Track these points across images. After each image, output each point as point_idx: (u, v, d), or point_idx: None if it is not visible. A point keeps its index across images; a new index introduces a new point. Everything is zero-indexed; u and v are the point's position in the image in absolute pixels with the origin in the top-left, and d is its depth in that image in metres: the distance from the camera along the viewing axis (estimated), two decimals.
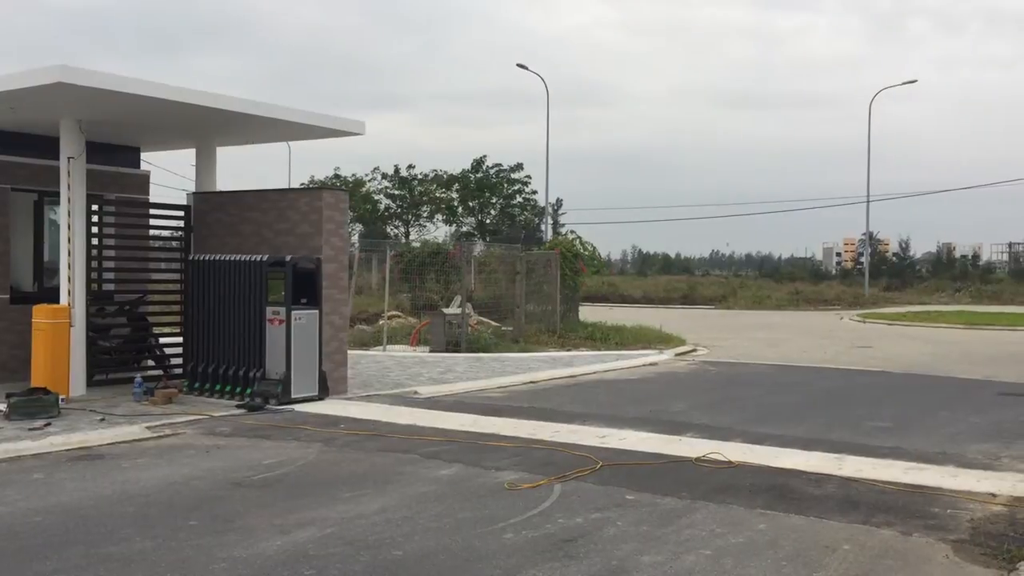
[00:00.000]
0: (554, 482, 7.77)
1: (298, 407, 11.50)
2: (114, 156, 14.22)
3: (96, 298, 12.95)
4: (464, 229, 59.84)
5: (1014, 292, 51.66)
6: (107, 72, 10.57)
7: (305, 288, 11.95)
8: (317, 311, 12.06)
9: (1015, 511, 7.06)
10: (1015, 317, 33.95)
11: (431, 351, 19.26)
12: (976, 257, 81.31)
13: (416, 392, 13.22)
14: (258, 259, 12.02)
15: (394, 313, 24.71)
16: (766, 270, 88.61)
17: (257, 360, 11.93)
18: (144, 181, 15.22)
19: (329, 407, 11.63)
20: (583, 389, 14.29)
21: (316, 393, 12.00)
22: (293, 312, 11.72)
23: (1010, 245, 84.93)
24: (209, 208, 13.65)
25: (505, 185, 59.44)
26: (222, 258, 12.44)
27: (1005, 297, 50.04)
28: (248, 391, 11.86)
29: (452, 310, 20.85)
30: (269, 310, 11.85)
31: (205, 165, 14.19)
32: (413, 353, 19.17)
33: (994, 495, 7.51)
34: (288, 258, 11.88)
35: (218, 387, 12.26)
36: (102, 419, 10.44)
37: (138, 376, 12.28)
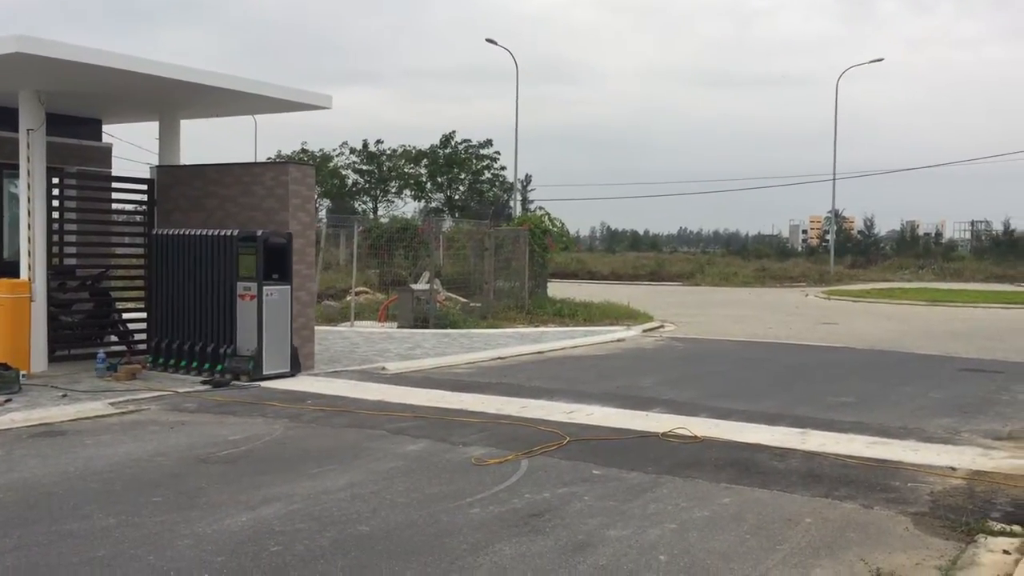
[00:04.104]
0: (521, 457, 7.79)
1: (265, 383, 11.42)
2: (75, 128, 13.97)
3: (57, 273, 12.76)
4: (433, 205, 59.66)
5: (975, 269, 52.43)
6: (67, 42, 10.35)
7: (276, 263, 11.79)
8: (288, 287, 11.93)
9: (974, 485, 7.18)
10: (976, 294, 34.49)
11: (399, 327, 19.21)
12: (939, 235, 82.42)
13: (384, 368, 13.18)
14: (228, 234, 11.85)
15: (362, 289, 24.58)
16: (733, 247, 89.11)
17: (227, 336, 11.79)
18: (106, 154, 14.98)
19: (296, 383, 11.56)
20: (551, 365, 14.33)
21: (288, 369, 11.91)
22: (264, 287, 11.59)
23: (972, 223, 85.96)
24: (173, 182, 13.46)
25: (474, 161, 59.25)
26: (190, 233, 12.25)
27: (967, 274, 50.81)
28: (220, 367, 11.73)
29: (420, 286, 20.78)
30: (240, 285, 11.68)
31: (169, 138, 13.96)
32: (381, 329, 19.11)
33: (954, 469, 7.64)
34: (259, 233, 11.74)
35: (184, 363, 12.13)
36: (64, 395, 10.31)
37: (101, 352, 12.12)
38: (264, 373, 11.60)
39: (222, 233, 11.92)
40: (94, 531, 5.75)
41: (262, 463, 7.59)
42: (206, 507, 6.29)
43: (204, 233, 12.10)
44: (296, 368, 12.05)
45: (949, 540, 5.81)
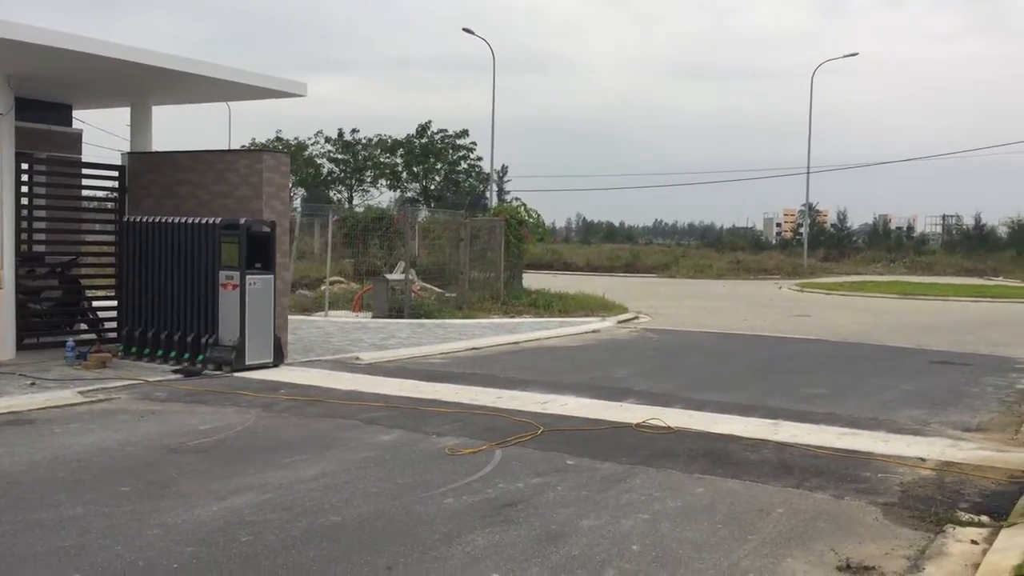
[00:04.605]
0: (495, 447, 7.78)
1: (241, 373, 11.31)
2: (45, 113, 13.75)
3: (26, 260, 12.59)
4: (408, 195, 59.42)
5: (946, 263, 52.94)
6: (36, 25, 10.20)
7: (258, 252, 11.61)
8: (271, 276, 11.76)
9: (943, 475, 7.25)
10: (947, 287, 34.85)
11: (373, 317, 19.13)
12: (911, 229, 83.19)
13: (358, 358, 13.12)
14: (210, 221, 11.68)
15: (336, 279, 24.47)
16: (708, 240, 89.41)
17: (209, 326, 11.61)
18: (76, 140, 14.76)
19: (270, 373, 11.48)
20: (526, 355, 14.32)
21: (271, 360, 11.76)
22: (247, 277, 11.43)
23: (943, 217, 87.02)
24: (144, 169, 13.30)
25: (450, 151, 59.04)
26: (168, 220, 12.07)
27: (938, 268, 51.27)
28: (200, 357, 11.56)
29: (395, 276, 20.71)
30: (222, 274, 11.49)
31: (140, 124, 13.81)
32: (355, 319, 19.02)
33: (923, 460, 7.71)
34: (242, 221, 11.58)
35: (161, 352, 11.94)
36: (32, 383, 10.19)
37: (70, 340, 11.98)
38: (247, 363, 11.46)
39: (204, 221, 11.73)
40: (62, 520, 5.68)
41: (233, 453, 7.53)
42: (176, 497, 6.23)
43: (184, 221, 11.91)
44: (279, 358, 11.90)
45: (918, 530, 5.86)
